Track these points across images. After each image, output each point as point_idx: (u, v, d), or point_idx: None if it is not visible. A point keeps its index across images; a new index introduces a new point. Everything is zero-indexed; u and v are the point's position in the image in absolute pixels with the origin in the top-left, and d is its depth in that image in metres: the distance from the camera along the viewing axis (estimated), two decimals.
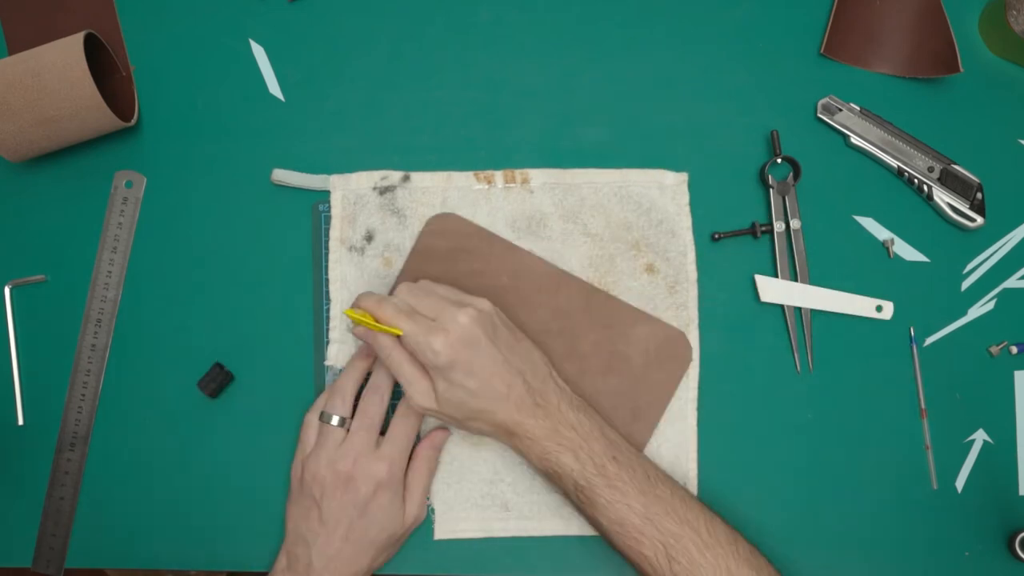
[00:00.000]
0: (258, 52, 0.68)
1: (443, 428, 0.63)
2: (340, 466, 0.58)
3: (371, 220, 0.65)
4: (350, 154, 0.66)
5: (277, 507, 0.63)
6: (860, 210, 0.66)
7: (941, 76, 0.67)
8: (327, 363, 0.64)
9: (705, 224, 0.66)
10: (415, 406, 0.57)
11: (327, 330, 0.64)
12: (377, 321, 0.56)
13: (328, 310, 0.64)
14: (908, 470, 0.64)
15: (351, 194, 0.65)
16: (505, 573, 0.63)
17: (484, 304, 0.57)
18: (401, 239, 0.65)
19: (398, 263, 0.65)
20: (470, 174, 0.65)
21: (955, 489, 0.64)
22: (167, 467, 0.64)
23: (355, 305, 0.57)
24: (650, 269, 0.65)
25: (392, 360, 0.56)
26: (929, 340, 0.65)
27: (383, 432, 0.60)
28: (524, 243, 0.65)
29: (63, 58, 0.60)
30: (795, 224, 0.65)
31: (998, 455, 0.64)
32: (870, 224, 0.66)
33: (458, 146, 0.66)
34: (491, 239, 0.64)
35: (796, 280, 0.65)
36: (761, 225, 0.65)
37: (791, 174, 0.66)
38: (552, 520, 0.63)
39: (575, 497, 0.56)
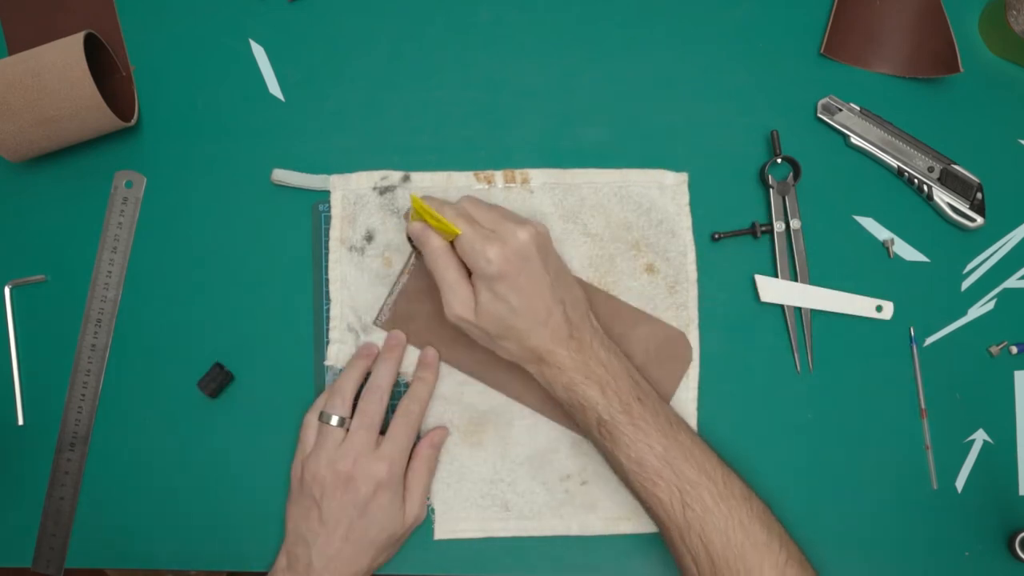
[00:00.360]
0: (258, 52, 0.68)
1: (442, 427, 0.63)
2: (340, 466, 0.57)
3: (371, 220, 0.65)
4: (350, 154, 0.66)
5: (277, 507, 0.63)
6: (860, 210, 0.66)
7: (941, 76, 0.67)
8: (327, 363, 0.64)
9: (705, 224, 0.66)
10: (450, 315, 0.56)
11: (327, 330, 0.64)
12: (432, 219, 0.55)
13: (328, 310, 0.64)
14: (908, 470, 0.64)
15: (351, 194, 0.65)
16: (505, 573, 0.63)
17: (542, 227, 0.56)
18: (401, 239, 0.65)
19: (398, 263, 0.65)
20: (470, 174, 0.65)
21: (955, 489, 0.64)
22: (167, 467, 0.64)
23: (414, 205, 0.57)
24: (650, 269, 0.65)
25: (439, 263, 0.56)
26: (929, 340, 0.65)
27: (382, 432, 0.60)
28: None
29: (63, 58, 0.60)
30: (795, 224, 0.65)
31: (998, 455, 0.64)
32: (870, 224, 0.66)
33: (458, 146, 0.66)
34: None
35: (796, 280, 0.65)
36: (761, 225, 0.65)
37: (791, 174, 0.66)
38: (552, 520, 0.63)
39: (596, 431, 0.56)
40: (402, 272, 0.64)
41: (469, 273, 0.56)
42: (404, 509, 0.60)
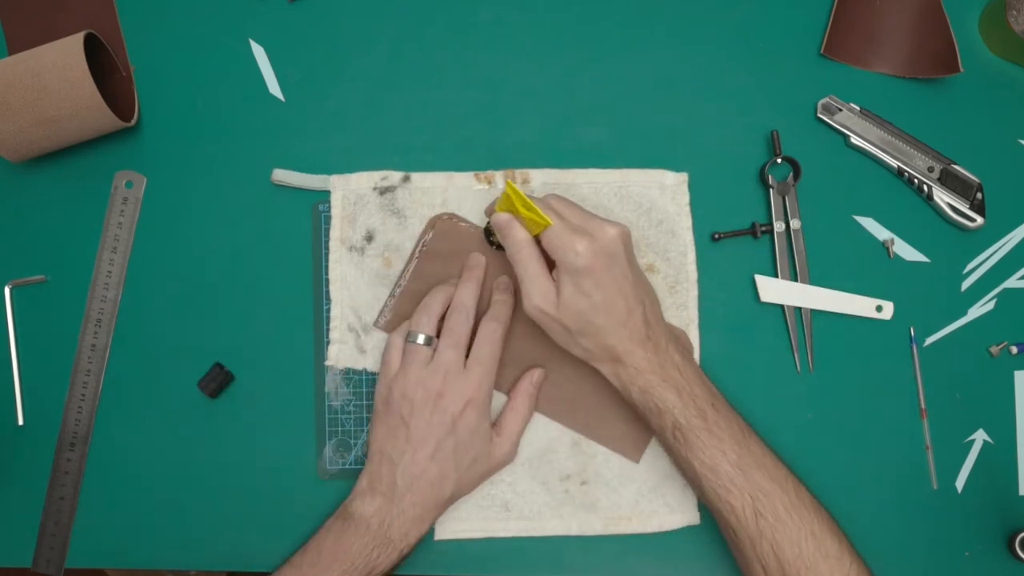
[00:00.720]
0: (258, 52, 0.68)
1: (540, 368, 0.62)
2: (430, 383, 0.57)
3: (371, 220, 0.65)
4: (350, 154, 0.66)
5: (277, 507, 0.63)
6: (860, 210, 0.66)
7: (941, 76, 0.67)
8: (327, 363, 0.64)
9: (705, 224, 0.66)
10: (530, 308, 0.56)
11: (327, 330, 0.64)
12: (525, 208, 0.54)
13: (328, 310, 0.64)
14: (908, 470, 0.64)
15: (351, 194, 0.65)
16: (505, 573, 0.63)
17: (626, 227, 0.56)
18: (401, 239, 0.65)
19: (398, 263, 0.65)
20: (470, 174, 0.65)
21: (955, 489, 0.64)
22: (167, 467, 0.64)
23: (502, 197, 0.57)
24: (650, 269, 0.65)
25: (523, 254, 0.56)
26: (929, 340, 0.65)
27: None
28: None
29: (63, 58, 0.60)
30: (795, 224, 0.65)
31: (998, 455, 0.64)
32: (870, 224, 0.66)
33: (458, 146, 0.66)
34: None
35: (796, 280, 0.65)
36: (761, 225, 0.65)
37: (791, 174, 0.66)
38: (552, 520, 0.63)
39: (671, 435, 0.56)
40: (403, 273, 0.64)
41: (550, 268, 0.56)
42: (494, 441, 0.59)
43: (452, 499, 0.59)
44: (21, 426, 0.64)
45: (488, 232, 0.62)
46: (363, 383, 0.64)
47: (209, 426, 0.64)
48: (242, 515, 0.63)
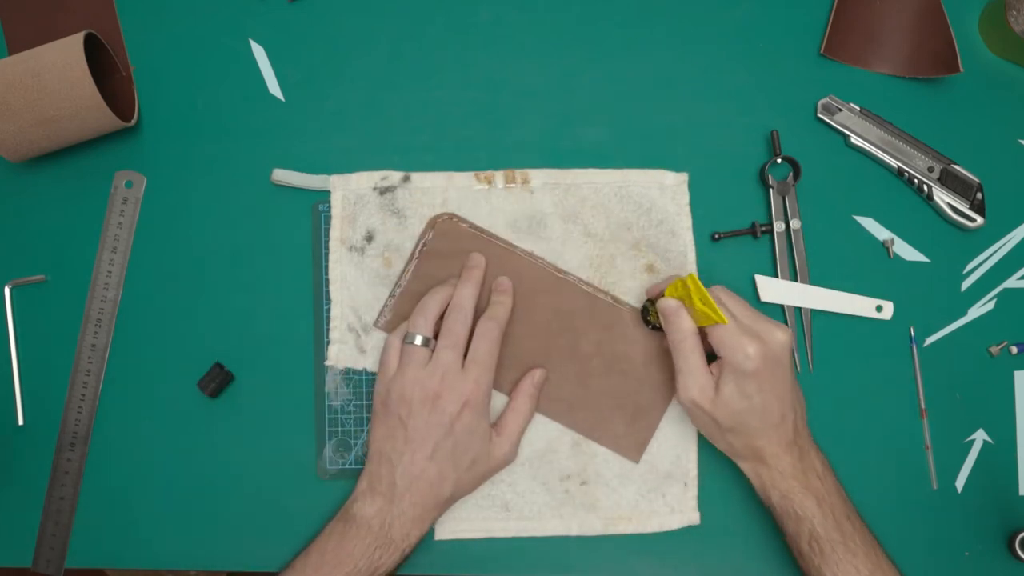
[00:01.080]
0: (258, 52, 0.68)
1: (541, 368, 0.63)
2: (427, 384, 0.57)
3: (371, 220, 0.65)
4: (350, 154, 0.66)
5: (277, 507, 0.63)
6: (860, 210, 0.66)
7: (941, 76, 0.67)
8: (327, 363, 0.64)
9: (705, 224, 0.66)
10: (685, 399, 0.56)
11: (327, 330, 0.64)
12: (701, 302, 0.54)
13: (328, 310, 0.64)
14: (908, 470, 0.64)
15: (351, 194, 0.65)
16: (505, 573, 0.63)
17: (791, 332, 0.57)
18: (401, 239, 0.65)
19: (398, 263, 0.65)
20: (470, 174, 0.65)
21: (955, 489, 0.64)
22: (167, 467, 0.64)
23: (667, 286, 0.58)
24: (650, 269, 0.65)
25: (686, 345, 0.56)
26: (929, 340, 0.65)
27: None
28: (524, 243, 0.65)
29: (63, 58, 0.60)
30: (795, 224, 0.65)
31: (998, 455, 0.64)
32: (870, 224, 0.66)
33: (458, 146, 0.66)
34: (492, 239, 0.64)
35: (796, 280, 0.65)
36: (761, 225, 0.65)
37: (791, 174, 0.66)
38: (552, 520, 0.63)
39: (807, 544, 0.56)
40: (403, 273, 0.64)
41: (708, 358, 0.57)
42: (494, 441, 0.59)
43: (452, 499, 0.59)
44: (21, 426, 0.64)
45: (645, 311, 0.62)
46: (363, 383, 0.64)
47: (209, 426, 0.64)
48: (242, 515, 0.63)
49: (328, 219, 0.65)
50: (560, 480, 0.63)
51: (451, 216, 0.65)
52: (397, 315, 0.64)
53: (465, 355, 0.59)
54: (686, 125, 0.67)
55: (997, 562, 0.63)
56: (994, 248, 0.66)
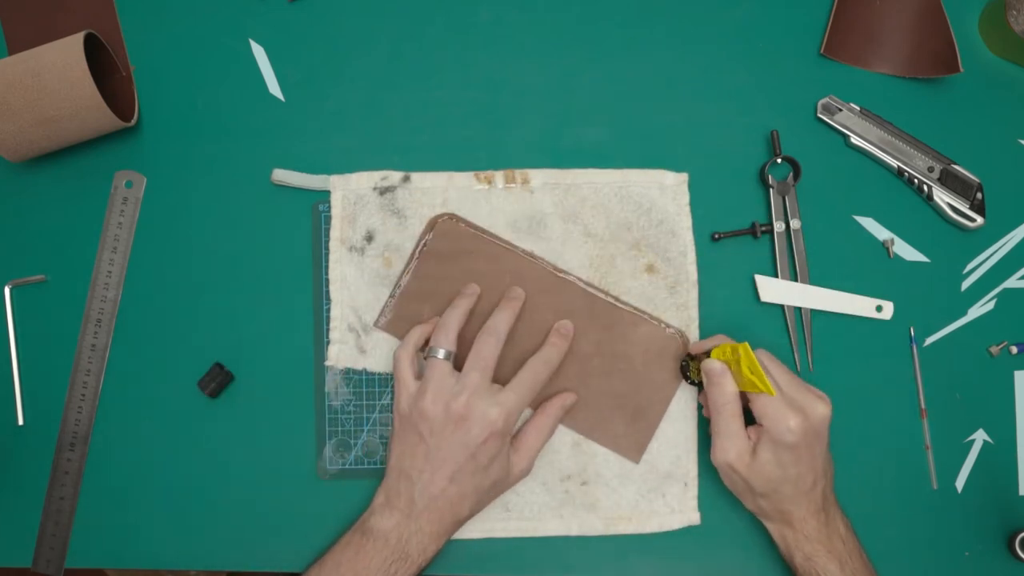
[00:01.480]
0: (258, 52, 0.68)
1: (571, 392, 0.62)
2: (453, 405, 0.56)
3: (371, 220, 0.65)
4: (350, 154, 0.66)
5: (277, 507, 0.63)
6: (860, 210, 0.66)
7: (941, 76, 0.67)
8: (327, 363, 0.64)
9: (705, 224, 0.66)
10: (720, 461, 0.57)
11: (327, 330, 0.64)
12: (749, 371, 0.54)
13: (328, 310, 0.64)
14: (908, 470, 0.64)
15: (351, 194, 0.65)
16: (505, 573, 0.63)
17: (831, 404, 0.57)
18: (401, 239, 0.65)
19: (398, 263, 0.65)
20: (470, 174, 0.65)
21: (955, 489, 0.64)
22: (167, 467, 0.64)
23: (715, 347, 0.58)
24: (650, 269, 0.65)
25: (728, 409, 0.56)
26: (929, 340, 0.65)
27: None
28: (525, 243, 0.65)
29: (63, 58, 0.60)
30: (795, 224, 0.65)
31: (998, 455, 0.64)
32: (870, 224, 0.66)
33: (458, 146, 0.66)
34: (492, 240, 0.64)
35: (796, 280, 0.65)
36: (761, 225, 0.65)
37: (791, 174, 0.66)
38: (552, 520, 0.63)
39: None
40: (403, 273, 0.64)
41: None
42: (511, 460, 0.59)
43: (470, 516, 0.59)
44: (21, 426, 0.64)
45: (685, 367, 0.62)
46: (363, 383, 0.64)
47: (209, 426, 0.64)
48: (242, 515, 0.63)
49: (328, 219, 0.65)
50: (560, 480, 0.63)
51: (451, 216, 0.65)
52: (397, 315, 0.64)
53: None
54: (686, 125, 0.67)
55: (997, 562, 0.63)
56: (994, 248, 0.66)
